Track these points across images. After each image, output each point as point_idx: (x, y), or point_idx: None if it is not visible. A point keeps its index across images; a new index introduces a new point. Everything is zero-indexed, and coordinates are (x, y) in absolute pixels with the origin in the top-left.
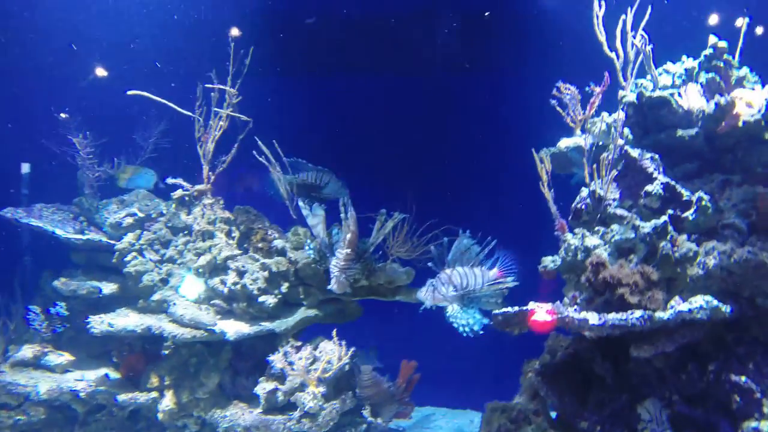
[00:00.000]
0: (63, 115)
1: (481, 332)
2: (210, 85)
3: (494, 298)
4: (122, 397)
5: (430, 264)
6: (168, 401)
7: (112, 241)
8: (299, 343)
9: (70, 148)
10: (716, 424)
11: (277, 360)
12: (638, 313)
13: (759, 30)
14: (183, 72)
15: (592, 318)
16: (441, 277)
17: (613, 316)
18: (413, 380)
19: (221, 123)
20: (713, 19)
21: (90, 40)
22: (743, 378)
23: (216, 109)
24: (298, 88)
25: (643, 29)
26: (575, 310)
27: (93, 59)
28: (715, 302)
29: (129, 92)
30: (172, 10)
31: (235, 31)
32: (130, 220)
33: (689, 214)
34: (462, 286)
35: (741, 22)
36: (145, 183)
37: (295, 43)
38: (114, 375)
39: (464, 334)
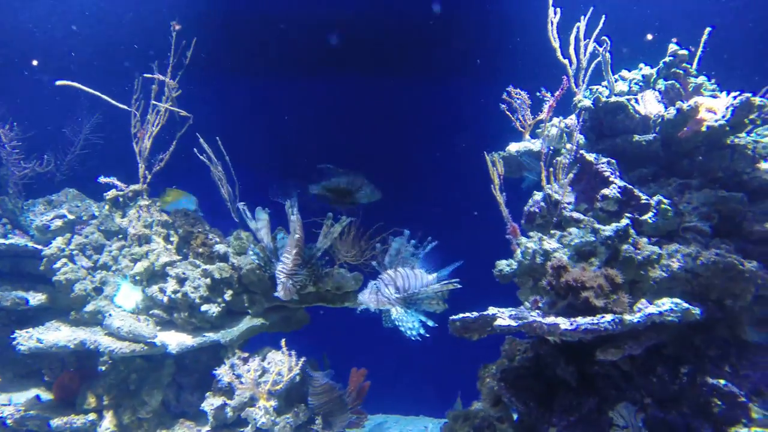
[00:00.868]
0: None
1: (427, 335)
2: (149, 75)
3: (436, 300)
4: (56, 422)
5: (374, 263)
6: (108, 423)
7: (39, 246)
8: (246, 354)
9: None
10: (698, 428)
11: (223, 373)
12: (609, 316)
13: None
14: (121, 65)
15: (563, 323)
16: (384, 279)
17: (584, 321)
18: (364, 388)
19: (159, 118)
20: (649, 36)
21: (21, 29)
22: (722, 381)
23: (154, 102)
24: (247, 86)
25: (606, 35)
26: (538, 314)
27: (22, 47)
28: (685, 304)
29: (58, 83)
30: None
31: (177, 25)
32: (59, 222)
33: (648, 217)
34: (404, 288)
35: (673, 41)
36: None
37: (244, 41)
38: (46, 396)
39: (411, 337)
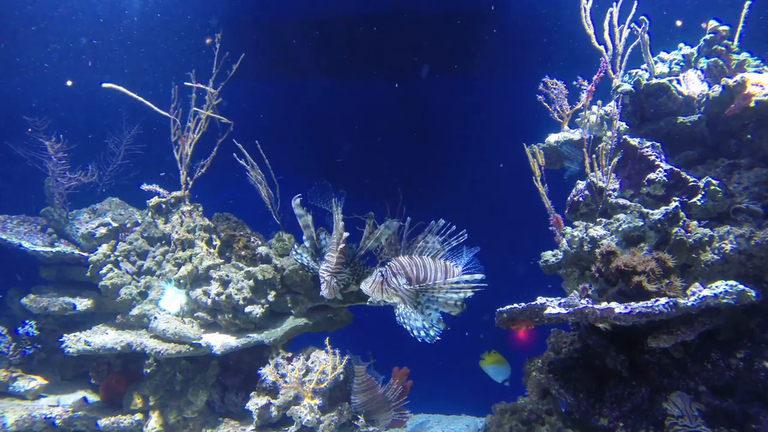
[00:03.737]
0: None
1: (438, 339)
2: (190, 84)
3: (454, 301)
4: (103, 422)
5: (382, 240)
6: (154, 423)
7: (85, 254)
8: (290, 354)
9: (39, 153)
10: (756, 415)
11: (268, 372)
12: (663, 300)
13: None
14: (160, 74)
15: (617, 307)
16: (393, 266)
17: (638, 304)
18: (406, 387)
19: (200, 125)
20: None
21: (62, 40)
22: None
23: (195, 109)
24: (287, 90)
25: (644, 15)
26: (589, 302)
27: (65, 59)
28: (741, 286)
29: (104, 85)
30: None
31: (209, 39)
32: (103, 230)
33: (697, 199)
34: (418, 279)
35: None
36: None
37: (282, 46)
38: (93, 398)
39: (418, 339)
